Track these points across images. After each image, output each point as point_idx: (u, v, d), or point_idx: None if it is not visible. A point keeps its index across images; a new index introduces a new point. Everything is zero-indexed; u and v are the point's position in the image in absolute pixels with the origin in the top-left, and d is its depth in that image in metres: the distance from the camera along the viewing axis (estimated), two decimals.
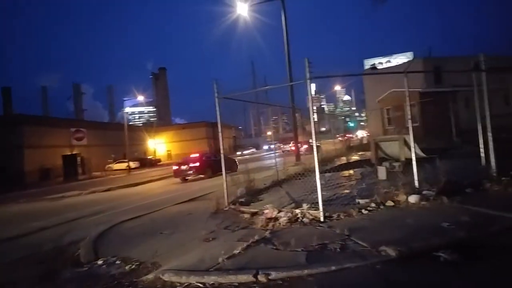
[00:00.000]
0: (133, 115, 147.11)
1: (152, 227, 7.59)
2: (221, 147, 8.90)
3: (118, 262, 5.48)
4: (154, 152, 63.16)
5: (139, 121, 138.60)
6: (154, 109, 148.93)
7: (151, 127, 72.88)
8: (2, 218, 13.15)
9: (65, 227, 9.10)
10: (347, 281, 3.90)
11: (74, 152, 42.13)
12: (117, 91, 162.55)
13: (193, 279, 4.35)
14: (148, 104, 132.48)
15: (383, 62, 60.89)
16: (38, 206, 15.61)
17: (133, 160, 45.18)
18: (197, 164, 19.10)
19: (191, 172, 18.99)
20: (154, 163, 53.04)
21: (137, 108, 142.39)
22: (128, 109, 67.36)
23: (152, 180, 24.00)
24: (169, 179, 21.72)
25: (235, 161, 20.44)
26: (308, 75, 6.88)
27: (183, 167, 19.28)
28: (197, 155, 20.39)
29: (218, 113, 8.59)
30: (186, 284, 4.30)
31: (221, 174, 8.68)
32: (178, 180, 19.78)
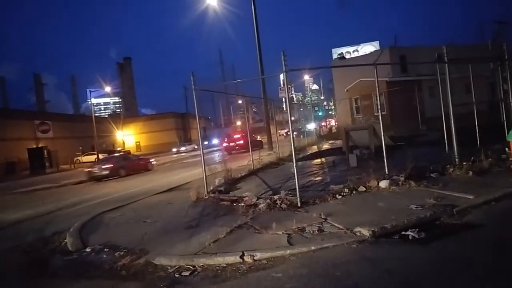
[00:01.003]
0: (99, 106, 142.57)
1: (134, 216, 7.76)
2: (200, 136, 9.10)
3: (106, 249, 5.65)
4: (123, 143, 61.77)
5: (105, 112, 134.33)
6: (120, 100, 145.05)
7: (118, 118, 71.04)
8: None
9: (44, 219, 9.07)
10: (327, 259, 4.30)
11: (40, 145, 40.59)
12: (81, 82, 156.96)
13: (183, 262, 4.64)
14: (113, 95, 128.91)
15: (350, 52, 62.31)
16: (9, 200, 15.18)
17: (102, 152, 44.08)
18: (241, 142, 25.52)
19: (237, 147, 25.84)
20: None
21: (102, 99, 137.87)
22: (93, 100, 65.35)
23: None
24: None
25: (261, 141, 27.13)
26: (284, 68, 7.23)
27: (231, 144, 26.77)
28: (240, 135, 27.06)
29: (195, 104, 8.81)
30: (176, 266, 4.57)
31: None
32: (150, 172, 20.22)
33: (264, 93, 17.41)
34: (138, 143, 66.32)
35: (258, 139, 29.02)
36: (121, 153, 35.25)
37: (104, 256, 5.37)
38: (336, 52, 65.14)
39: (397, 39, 58.54)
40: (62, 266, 5.27)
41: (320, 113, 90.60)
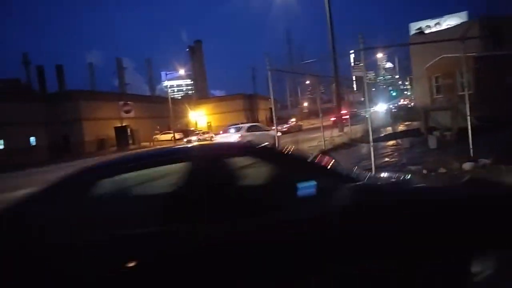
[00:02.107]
0: (172, 88, 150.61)
1: None
2: (274, 117, 9.38)
3: None
4: (196, 124, 65.03)
5: (178, 94, 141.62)
6: (192, 82, 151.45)
7: (191, 100, 74.73)
8: None
9: None
10: None
11: (124, 124, 44.58)
12: (156, 65, 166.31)
13: None
14: (186, 77, 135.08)
15: (431, 26, 57.25)
16: None
17: (177, 131, 47.06)
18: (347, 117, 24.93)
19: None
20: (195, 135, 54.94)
21: (175, 81, 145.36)
22: (167, 83, 69.28)
23: None
24: None
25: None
26: (361, 46, 7.18)
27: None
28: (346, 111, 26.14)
29: (270, 85, 9.09)
30: None
31: None
32: None
33: (336, 72, 17.10)
34: (209, 124, 69.24)
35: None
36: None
37: None
38: (414, 27, 60.58)
39: (489, 7, 52.40)
40: None
41: (394, 93, 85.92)
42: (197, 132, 39.83)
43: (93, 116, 40.30)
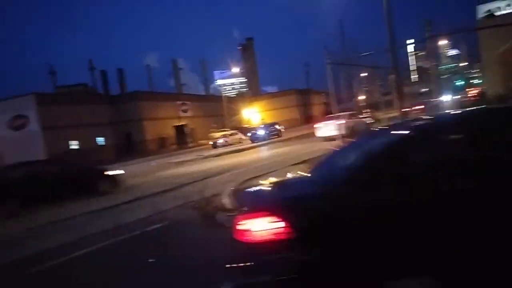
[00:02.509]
0: (225, 87, 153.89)
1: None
2: (333, 110, 9.32)
3: None
4: (249, 121, 65.95)
5: (231, 92, 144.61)
6: (244, 80, 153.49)
7: (244, 97, 75.83)
8: (147, 177, 15.74)
9: (201, 184, 10.74)
10: None
11: (182, 123, 46.53)
12: (210, 64, 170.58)
13: None
14: (238, 75, 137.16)
15: (501, 7, 52.48)
16: (167, 168, 18.22)
17: (232, 129, 48.12)
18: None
19: None
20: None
21: (228, 79, 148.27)
22: (220, 81, 70.97)
23: (254, 146, 25.71)
24: (269, 145, 23.07)
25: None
26: (426, 34, 6.90)
27: None
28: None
29: (329, 78, 9.05)
30: None
31: None
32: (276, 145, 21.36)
33: (395, 63, 16.41)
34: (263, 120, 69.82)
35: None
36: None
37: None
38: (482, 10, 55.98)
39: None
40: (226, 220, 6.31)
41: (460, 82, 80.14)
42: (225, 132, 39.60)
43: (153, 116, 42.60)
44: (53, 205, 9.60)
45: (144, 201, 9.32)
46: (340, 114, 17.10)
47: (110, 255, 5.46)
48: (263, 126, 37.26)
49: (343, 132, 15.36)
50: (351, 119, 18.23)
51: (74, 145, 35.67)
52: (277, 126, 37.53)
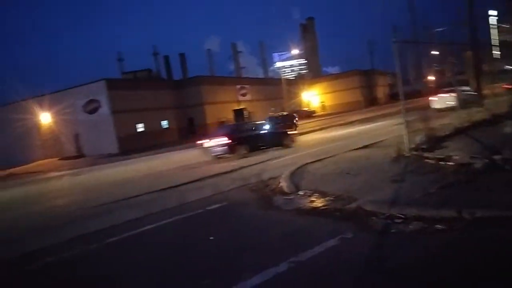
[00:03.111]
0: (284, 69, 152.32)
1: (336, 168, 8.40)
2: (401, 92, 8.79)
3: (316, 194, 6.44)
4: (308, 104, 64.89)
5: (290, 74, 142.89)
6: (304, 61, 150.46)
7: (303, 79, 74.57)
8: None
9: (258, 167, 10.88)
10: None
11: (241, 107, 47.20)
12: (269, 46, 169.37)
13: (394, 211, 4.86)
14: (297, 56, 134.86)
15: None
16: None
17: (290, 112, 47.79)
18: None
19: None
20: (309, 114, 54.87)
21: (287, 62, 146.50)
22: (278, 64, 70.24)
23: (313, 130, 25.31)
24: (328, 130, 22.54)
25: None
26: None
27: None
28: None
29: (395, 58, 8.50)
30: (387, 214, 4.83)
31: None
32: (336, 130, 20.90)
33: (473, 38, 14.85)
34: (323, 103, 68.32)
35: None
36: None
37: (316, 199, 6.15)
38: None
39: None
40: (284, 203, 6.34)
41: None
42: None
43: (213, 100, 43.72)
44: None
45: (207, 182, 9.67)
46: (451, 88, 19.20)
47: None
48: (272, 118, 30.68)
49: (457, 103, 16.71)
50: (462, 93, 19.99)
51: (140, 127, 37.99)
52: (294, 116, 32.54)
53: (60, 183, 17.10)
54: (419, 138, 8.75)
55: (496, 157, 6.29)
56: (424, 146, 8.26)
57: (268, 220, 5.56)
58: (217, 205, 6.77)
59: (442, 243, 3.85)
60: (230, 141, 14.30)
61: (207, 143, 15.21)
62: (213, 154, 14.88)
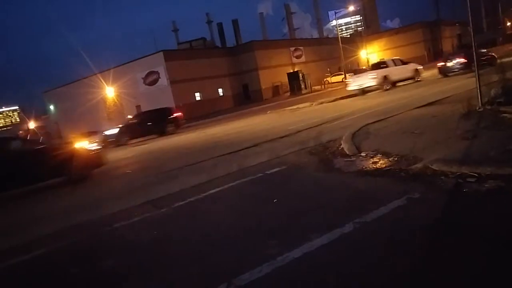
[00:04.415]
0: (340, 27, 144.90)
1: (399, 128, 8.03)
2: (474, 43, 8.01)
3: (379, 155, 6.25)
4: (367, 62, 61.72)
5: (346, 32, 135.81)
6: (360, 18, 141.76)
7: (361, 37, 70.52)
8: (266, 124, 16.51)
9: (316, 130, 10.76)
10: None
11: (295, 70, 46.33)
12: (323, 4, 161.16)
13: (465, 169, 4.57)
14: (354, 13, 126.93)
15: None
16: (284, 115, 18.69)
17: (348, 72, 45.89)
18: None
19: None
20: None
21: (343, 19, 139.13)
22: (334, 22, 66.87)
23: (372, 90, 24.18)
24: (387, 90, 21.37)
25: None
26: None
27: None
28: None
29: (468, 2, 7.68)
30: (458, 173, 4.56)
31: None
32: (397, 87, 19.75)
33: None
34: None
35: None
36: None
37: (379, 160, 5.98)
38: None
39: None
40: (345, 165, 6.26)
41: None
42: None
43: (267, 65, 43.36)
44: None
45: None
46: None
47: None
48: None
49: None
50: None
51: (198, 96, 39.16)
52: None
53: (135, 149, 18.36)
54: (493, 91, 7.99)
55: None
56: (500, 100, 7.54)
57: (330, 182, 5.55)
58: (277, 169, 6.88)
59: None
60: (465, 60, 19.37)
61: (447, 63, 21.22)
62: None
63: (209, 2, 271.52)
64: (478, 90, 7.70)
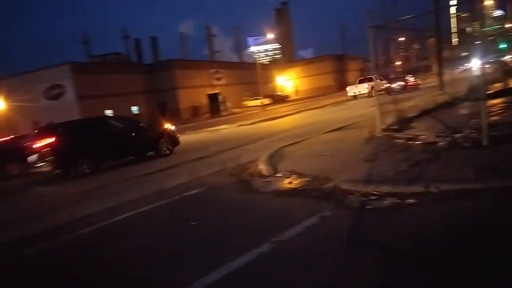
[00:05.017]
0: (259, 53, 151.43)
1: (311, 150, 8.63)
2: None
3: (294, 175, 6.63)
4: (283, 88, 65.18)
5: (264, 59, 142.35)
6: (278, 46, 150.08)
7: (278, 64, 74.53)
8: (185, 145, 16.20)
9: (236, 152, 10.97)
10: None
11: (215, 91, 46.84)
12: (244, 30, 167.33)
13: (369, 189, 5.11)
14: (272, 41, 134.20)
15: None
16: (203, 136, 18.65)
17: (265, 96, 47.89)
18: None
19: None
20: (283, 99, 55.23)
21: (262, 46, 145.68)
22: (253, 48, 69.91)
23: (288, 114, 25.59)
24: (302, 113, 22.89)
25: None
26: None
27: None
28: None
29: (370, 43, 8.73)
30: (362, 192, 5.09)
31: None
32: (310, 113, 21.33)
33: (437, 26, 15.51)
34: (297, 88, 68.81)
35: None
36: None
37: (294, 180, 6.35)
38: None
39: None
40: (263, 186, 6.50)
41: (503, 45, 74.28)
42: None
43: (187, 84, 43.11)
44: None
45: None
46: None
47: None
48: None
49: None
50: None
51: (109, 114, 36.84)
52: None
53: None
54: (389, 120, 9.11)
55: (457, 135, 6.72)
56: (394, 127, 8.62)
57: (248, 203, 5.70)
58: (195, 191, 6.85)
59: (414, 216, 4.12)
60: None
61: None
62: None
63: (125, 16, 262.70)
64: (378, 117, 8.71)
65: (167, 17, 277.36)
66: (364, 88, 29.32)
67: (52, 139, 10.07)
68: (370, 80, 28.24)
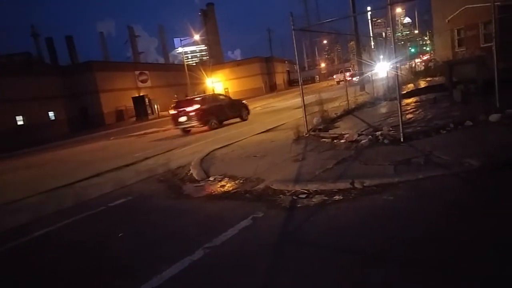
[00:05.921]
0: (186, 55, 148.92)
1: (243, 152, 8.65)
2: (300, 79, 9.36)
3: (226, 178, 6.58)
4: (213, 90, 64.83)
5: (192, 60, 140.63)
6: (206, 48, 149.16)
7: (206, 66, 73.97)
8: (107, 152, 15.23)
9: (165, 156, 10.58)
10: (436, 186, 4.53)
11: (141, 94, 44.92)
12: (169, 31, 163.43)
13: (298, 187, 5.26)
14: (200, 42, 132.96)
15: None
16: (129, 142, 17.71)
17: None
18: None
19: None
20: None
21: (189, 47, 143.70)
22: (180, 49, 68.57)
23: None
24: None
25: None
26: (388, 1, 7.01)
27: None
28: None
29: (294, 45, 9.00)
30: (293, 191, 5.22)
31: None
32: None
33: (356, 30, 16.65)
34: (226, 90, 68.85)
35: None
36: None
37: (226, 183, 6.29)
38: None
39: None
40: (194, 190, 6.33)
41: (412, 50, 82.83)
42: None
43: (110, 88, 40.70)
44: None
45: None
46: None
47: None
48: None
49: None
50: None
51: (20, 120, 33.28)
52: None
53: None
54: (315, 120, 9.51)
55: (377, 133, 7.23)
56: (320, 127, 9.02)
57: (179, 209, 5.51)
58: (122, 200, 6.45)
59: (340, 211, 4.31)
60: None
61: None
62: None
63: (34, 12, 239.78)
64: (305, 119, 9.03)
65: (83, 16, 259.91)
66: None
67: (198, 106, 15.69)
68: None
